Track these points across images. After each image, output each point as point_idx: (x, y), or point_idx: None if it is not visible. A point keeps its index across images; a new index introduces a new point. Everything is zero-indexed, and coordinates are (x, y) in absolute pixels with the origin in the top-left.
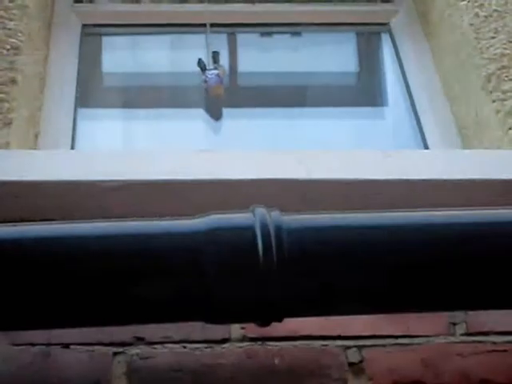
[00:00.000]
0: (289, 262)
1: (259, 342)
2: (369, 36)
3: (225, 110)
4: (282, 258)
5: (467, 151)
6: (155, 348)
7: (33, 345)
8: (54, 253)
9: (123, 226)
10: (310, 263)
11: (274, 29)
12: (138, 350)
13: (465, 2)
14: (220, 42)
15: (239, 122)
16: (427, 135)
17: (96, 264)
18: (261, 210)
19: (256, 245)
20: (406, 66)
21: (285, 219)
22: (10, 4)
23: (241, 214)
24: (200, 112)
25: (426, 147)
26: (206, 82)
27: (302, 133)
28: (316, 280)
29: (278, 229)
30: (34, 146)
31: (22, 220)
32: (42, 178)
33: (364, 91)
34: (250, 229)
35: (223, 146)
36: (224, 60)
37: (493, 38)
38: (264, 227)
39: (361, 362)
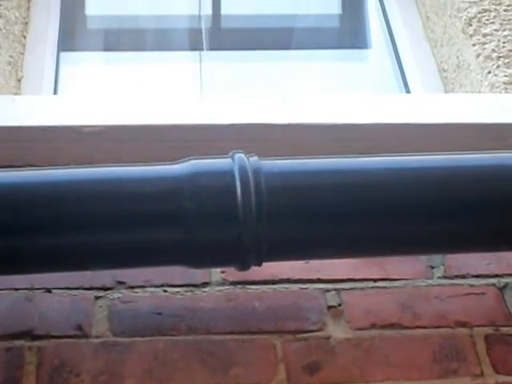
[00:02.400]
0: (267, 205)
1: (239, 286)
2: None
3: (208, 53)
4: (261, 202)
5: (448, 95)
6: (136, 292)
7: (16, 289)
8: (34, 197)
9: (103, 172)
10: (288, 207)
11: None
12: (119, 294)
13: None
14: None
15: (222, 65)
16: (409, 78)
17: (77, 208)
18: (240, 156)
19: (235, 189)
20: (388, 8)
21: (263, 164)
22: None
23: (220, 159)
24: (184, 55)
25: (408, 91)
26: None
27: (285, 76)
28: (295, 224)
29: (257, 173)
30: (18, 91)
31: (2, 166)
32: (23, 124)
33: (347, 34)
34: (228, 173)
35: (206, 90)
36: (207, 2)
37: None
38: (243, 172)
39: (339, 305)
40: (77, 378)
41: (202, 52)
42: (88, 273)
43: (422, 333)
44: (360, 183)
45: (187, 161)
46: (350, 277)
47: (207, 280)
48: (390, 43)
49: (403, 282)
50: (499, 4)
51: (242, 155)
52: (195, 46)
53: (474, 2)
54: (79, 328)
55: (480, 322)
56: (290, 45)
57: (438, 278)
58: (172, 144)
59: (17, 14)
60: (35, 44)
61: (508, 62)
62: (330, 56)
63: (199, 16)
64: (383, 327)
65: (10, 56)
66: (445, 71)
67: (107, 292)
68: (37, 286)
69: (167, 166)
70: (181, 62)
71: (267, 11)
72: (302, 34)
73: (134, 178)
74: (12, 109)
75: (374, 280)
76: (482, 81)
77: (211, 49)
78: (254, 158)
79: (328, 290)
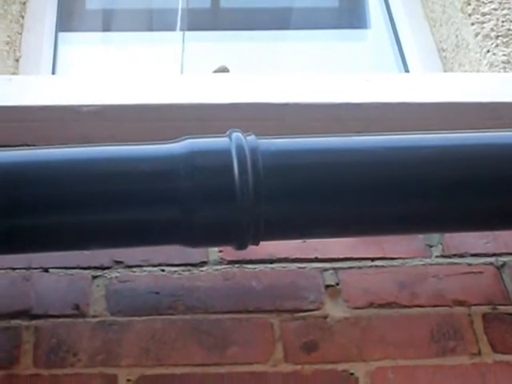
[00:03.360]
0: (264, 185)
1: (237, 265)
2: None
3: (206, 33)
4: (258, 182)
5: (447, 74)
6: (134, 271)
7: (13, 269)
8: (31, 177)
9: (100, 151)
10: (285, 186)
11: None
12: (116, 274)
13: None
14: None
15: (221, 45)
16: (408, 58)
17: (73, 187)
18: (237, 134)
19: (232, 168)
20: None
21: (261, 143)
22: None
23: (217, 138)
24: (182, 35)
25: (407, 70)
26: None
27: (284, 56)
28: (292, 203)
29: (254, 152)
30: (16, 71)
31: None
32: (20, 103)
33: (346, 14)
34: (226, 152)
35: (204, 70)
36: None
37: None
38: (240, 151)
39: (337, 284)
40: (74, 358)
41: (202, 32)
42: (85, 252)
43: (420, 312)
44: (358, 162)
45: (184, 140)
46: (348, 256)
47: (205, 259)
48: (389, 23)
49: (401, 261)
50: None
51: (240, 134)
52: (194, 25)
53: None
54: (76, 307)
55: (478, 300)
56: (289, 25)
57: (436, 256)
58: (169, 123)
59: None
60: (33, 24)
61: (507, 41)
62: (329, 36)
63: None
64: (381, 306)
65: (8, 36)
66: (444, 50)
67: (105, 271)
68: (34, 266)
69: (164, 145)
70: (179, 42)
71: None
72: (301, 14)
73: (130, 157)
74: (9, 88)
75: (372, 259)
76: (480, 60)
77: (210, 29)
78: (252, 137)
79: (326, 269)
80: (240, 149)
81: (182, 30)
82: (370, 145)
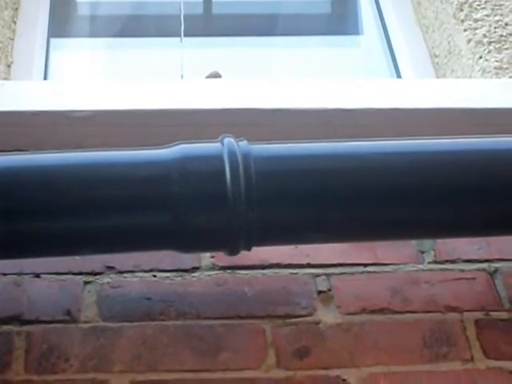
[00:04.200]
0: (257, 190)
1: (229, 271)
2: None
3: (199, 39)
4: (250, 187)
5: (439, 80)
6: (125, 277)
7: (4, 274)
8: (23, 182)
9: (92, 156)
10: (277, 192)
11: None
12: (108, 279)
13: None
14: None
15: (213, 51)
16: (400, 64)
17: (65, 193)
18: (229, 140)
19: (224, 173)
20: None
21: (253, 148)
22: None
23: (209, 143)
24: (174, 41)
25: (399, 76)
26: None
27: (276, 62)
28: (284, 208)
29: (246, 157)
30: (7, 76)
31: None
32: (13, 108)
33: (338, 20)
34: (218, 157)
35: (195, 75)
36: None
37: None
38: (232, 156)
39: (329, 290)
40: (65, 363)
41: (194, 38)
42: (77, 258)
43: (412, 318)
44: (350, 168)
45: (176, 145)
46: (340, 262)
47: (197, 265)
48: (382, 29)
49: (393, 266)
50: None
51: (232, 139)
52: (185, 31)
53: None
54: (68, 313)
55: (470, 306)
56: (282, 31)
57: (429, 262)
58: (161, 129)
59: (7, 0)
60: (25, 30)
61: (499, 47)
62: (322, 42)
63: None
64: (373, 312)
65: (0, 41)
66: (436, 57)
67: (96, 277)
68: (25, 271)
69: (156, 151)
70: (171, 47)
71: None
72: (294, 20)
73: (122, 163)
74: (1, 94)
75: (364, 265)
76: (473, 66)
77: (202, 35)
78: (244, 143)
79: (318, 275)
80: (232, 154)
81: (177, 36)
82: (363, 150)
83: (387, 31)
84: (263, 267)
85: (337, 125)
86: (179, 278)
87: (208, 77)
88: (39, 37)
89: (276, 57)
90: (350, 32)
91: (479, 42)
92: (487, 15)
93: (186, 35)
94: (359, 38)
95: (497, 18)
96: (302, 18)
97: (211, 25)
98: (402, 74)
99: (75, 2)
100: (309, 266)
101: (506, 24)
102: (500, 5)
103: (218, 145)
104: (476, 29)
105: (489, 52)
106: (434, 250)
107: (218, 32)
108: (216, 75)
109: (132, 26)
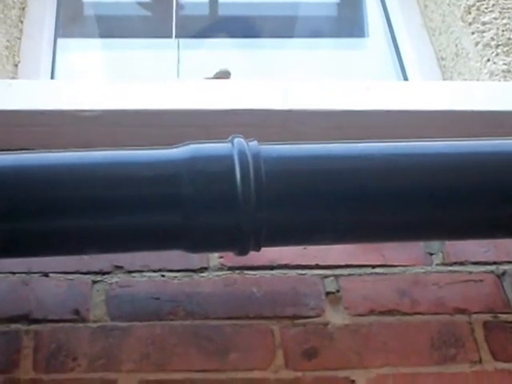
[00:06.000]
0: (266, 191)
1: (237, 271)
2: None
3: (205, 40)
4: (260, 187)
5: (446, 82)
6: (134, 276)
7: (13, 273)
8: (31, 181)
9: (101, 155)
10: (287, 192)
11: None
12: (116, 279)
13: None
14: None
15: (220, 52)
16: (407, 66)
17: (74, 192)
18: (239, 140)
19: (234, 173)
20: None
21: (263, 148)
22: None
23: (219, 143)
24: (181, 42)
25: (406, 78)
26: None
27: (285, 64)
28: (294, 209)
29: (256, 158)
30: (15, 76)
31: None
32: (20, 108)
33: (345, 22)
34: (228, 158)
35: (203, 76)
36: None
37: None
38: (242, 156)
39: (338, 291)
40: (74, 362)
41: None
42: (85, 257)
43: (421, 319)
44: (358, 169)
45: (186, 145)
46: (349, 263)
47: (205, 265)
48: (389, 32)
49: (402, 268)
50: None
51: (242, 140)
52: (192, 32)
53: None
54: (76, 312)
55: (478, 308)
56: (289, 33)
57: (437, 264)
58: (171, 129)
59: None
60: (32, 29)
61: (507, 50)
62: (329, 44)
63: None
64: (381, 313)
65: (7, 41)
66: (443, 59)
67: (105, 276)
68: (34, 270)
69: (166, 151)
70: (177, 48)
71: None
72: (300, 23)
73: (132, 162)
74: (9, 93)
75: (373, 266)
76: (480, 69)
77: (208, 36)
78: (254, 143)
79: (326, 276)
80: (242, 154)
81: (180, 37)
82: (372, 152)
83: (394, 34)
84: (272, 268)
85: (346, 126)
86: (187, 278)
87: (217, 74)
88: (46, 36)
89: (282, 59)
90: (357, 34)
91: (487, 45)
92: (495, 18)
93: (191, 36)
94: (366, 40)
95: (505, 21)
96: (307, 21)
97: (217, 26)
98: (408, 76)
99: (82, 2)
100: (317, 267)
101: None
102: (508, 8)
103: (228, 145)
104: (484, 32)
105: (497, 55)
106: (442, 251)
107: (223, 33)
108: (225, 73)
109: (137, 27)
